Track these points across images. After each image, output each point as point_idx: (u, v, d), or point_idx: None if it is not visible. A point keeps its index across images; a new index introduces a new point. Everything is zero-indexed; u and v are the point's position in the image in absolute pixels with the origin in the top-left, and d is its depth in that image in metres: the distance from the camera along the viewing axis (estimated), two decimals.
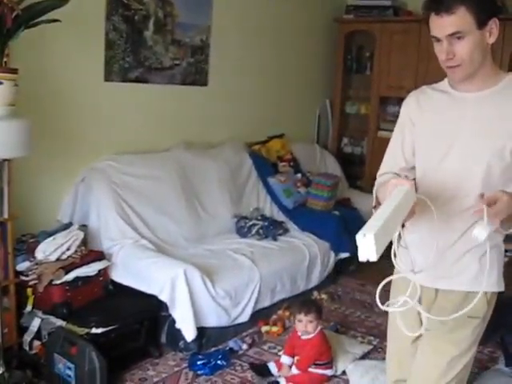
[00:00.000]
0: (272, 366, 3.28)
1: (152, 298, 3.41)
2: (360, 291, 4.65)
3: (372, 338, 3.84)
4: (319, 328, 3.26)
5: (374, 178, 6.36)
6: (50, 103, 3.56)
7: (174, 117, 4.45)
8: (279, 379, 3.17)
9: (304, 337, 3.23)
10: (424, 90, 2.10)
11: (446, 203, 1.92)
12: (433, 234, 1.92)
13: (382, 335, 3.83)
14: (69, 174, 3.76)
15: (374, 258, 1.46)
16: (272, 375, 3.25)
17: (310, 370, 3.19)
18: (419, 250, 2.01)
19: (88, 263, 3.33)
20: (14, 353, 3.23)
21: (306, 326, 3.21)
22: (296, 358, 3.24)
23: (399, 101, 5.74)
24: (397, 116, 6.34)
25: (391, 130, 6.33)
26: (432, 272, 1.94)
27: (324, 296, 4.45)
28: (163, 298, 3.33)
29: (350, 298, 4.53)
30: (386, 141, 6.30)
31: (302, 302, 3.47)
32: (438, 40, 1.84)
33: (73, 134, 3.73)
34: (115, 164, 3.86)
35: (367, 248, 1.45)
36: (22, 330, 3.28)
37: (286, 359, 3.28)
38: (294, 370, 3.19)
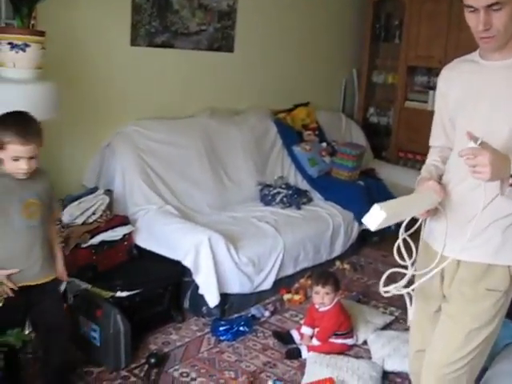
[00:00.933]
0: (295, 334, 3.30)
1: (175, 264, 3.43)
2: (383, 262, 4.63)
3: (394, 308, 3.83)
4: (336, 300, 3.25)
5: (400, 149, 6.34)
6: (76, 67, 3.56)
7: (199, 83, 4.42)
8: (301, 347, 3.19)
9: (321, 309, 3.24)
10: (455, 63, 2.10)
11: (468, 177, 1.88)
12: (456, 206, 1.94)
13: (404, 306, 3.82)
14: (94, 139, 3.77)
15: (372, 228, 1.71)
16: (294, 343, 3.27)
17: (331, 340, 3.20)
18: (441, 221, 2.00)
19: (113, 228, 3.36)
20: None
21: (322, 298, 3.20)
22: (316, 329, 3.25)
23: (428, 71, 5.74)
24: (425, 86, 6.28)
25: (419, 101, 6.28)
26: (454, 243, 1.93)
27: (346, 266, 4.45)
28: (187, 263, 3.35)
29: (373, 269, 4.51)
30: (414, 111, 6.27)
31: (320, 273, 3.45)
32: (474, 10, 1.79)
33: (99, 99, 3.73)
34: (141, 129, 3.86)
35: (374, 219, 1.69)
36: None
37: (306, 330, 3.29)
38: (315, 341, 3.20)
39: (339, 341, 3.21)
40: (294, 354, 3.16)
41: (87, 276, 3.25)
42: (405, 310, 3.85)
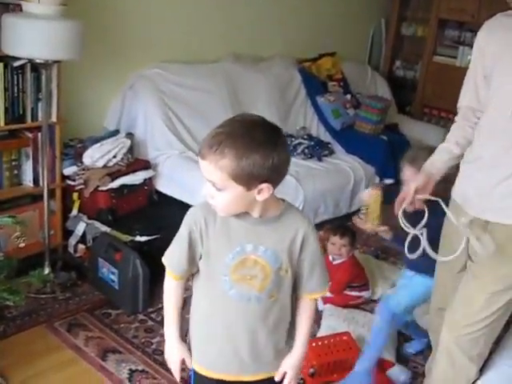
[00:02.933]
0: None
1: None
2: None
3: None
4: (351, 254, 3.23)
5: (425, 105, 6.19)
6: (100, 6, 3.45)
7: (223, 27, 4.29)
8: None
9: (335, 262, 3.21)
10: (497, 19, 2.00)
11: (502, 137, 1.87)
12: (487, 167, 1.92)
13: None
14: (117, 80, 3.70)
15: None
16: None
17: (346, 292, 3.19)
18: (472, 182, 1.98)
19: (134, 172, 3.33)
20: (58, 255, 3.30)
21: (339, 249, 3.17)
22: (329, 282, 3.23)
23: (459, 25, 5.54)
24: (455, 41, 6.04)
25: (448, 56, 6.08)
26: (484, 204, 1.92)
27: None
28: None
29: (392, 225, 4.46)
30: (442, 66, 6.07)
31: (338, 225, 3.43)
32: None
33: (121, 39, 3.64)
34: (163, 72, 3.78)
35: None
36: (67, 233, 3.35)
37: None
38: (327, 293, 3.18)
39: (354, 293, 3.21)
40: None
41: (106, 219, 3.25)
42: None
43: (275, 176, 1.40)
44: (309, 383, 2.64)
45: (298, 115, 4.68)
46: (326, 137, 4.71)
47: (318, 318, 3.11)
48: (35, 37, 2.66)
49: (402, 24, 5.77)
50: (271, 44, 4.71)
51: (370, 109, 4.73)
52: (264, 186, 1.39)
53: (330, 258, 3.23)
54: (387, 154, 4.58)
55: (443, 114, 5.47)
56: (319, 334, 2.93)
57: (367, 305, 3.27)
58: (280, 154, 1.37)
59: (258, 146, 1.34)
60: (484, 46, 1.99)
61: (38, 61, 2.79)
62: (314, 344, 2.71)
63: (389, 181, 4.59)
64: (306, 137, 4.49)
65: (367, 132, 4.75)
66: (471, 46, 5.89)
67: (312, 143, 4.41)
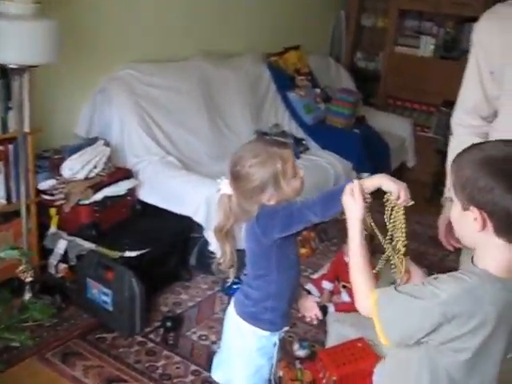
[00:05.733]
0: (313, 290, 3.14)
1: (182, 219, 3.20)
2: (382, 213, 4.51)
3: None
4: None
5: (389, 96, 6.15)
6: (65, 4, 3.17)
7: (189, 23, 4.05)
8: (328, 304, 3.04)
9: None
10: (495, 10, 1.92)
11: None
12: None
13: (412, 259, 3.74)
14: (86, 84, 3.43)
15: None
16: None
17: None
18: None
19: (116, 182, 3.09)
20: (36, 276, 3.02)
21: None
22: (343, 283, 3.09)
23: (420, 14, 5.52)
24: (416, 31, 6.01)
25: (410, 46, 6.05)
26: None
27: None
28: (198, 219, 3.12)
29: (374, 220, 4.38)
30: (404, 56, 6.04)
31: None
32: None
33: (89, 40, 3.35)
34: (136, 73, 3.53)
35: None
36: (45, 252, 3.07)
37: (327, 285, 3.14)
38: (346, 298, 3.05)
39: None
40: (322, 313, 3.01)
41: (90, 234, 3.00)
42: (415, 262, 3.78)
43: (492, 209, 1.15)
44: None
45: (269, 112, 4.53)
46: (298, 132, 4.58)
47: (322, 323, 2.98)
48: (8, 40, 2.39)
49: (361, 15, 5.69)
50: (237, 39, 4.53)
51: (342, 103, 4.63)
52: (475, 210, 1.18)
53: (346, 258, 3.08)
54: (362, 148, 4.50)
55: (407, 104, 5.44)
56: (329, 343, 2.79)
57: None
58: (507, 190, 1.13)
59: (487, 164, 1.17)
60: (487, 43, 1.90)
61: (11, 66, 2.51)
62: (330, 355, 2.58)
63: (365, 175, 4.51)
64: (280, 134, 4.34)
65: (339, 126, 4.64)
66: (432, 35, 5.89)
67: (288, 140, 4.26)
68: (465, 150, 1.25)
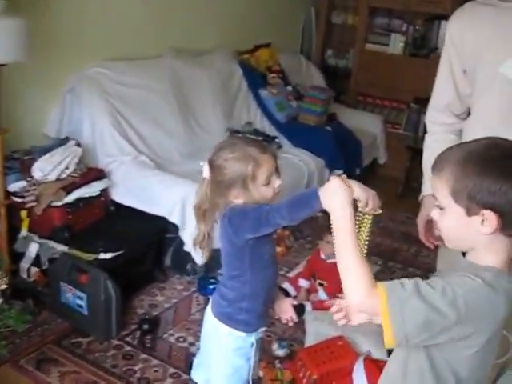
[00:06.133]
0: (289, 288, 3.13)
1: (156, 220, 3.16)
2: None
3: (376, 257, 3.75)
4: None
5: (359, 93, 6.17)
6: (35, 2, 3.09)
7: (159, 20, 4.00)
8: (305, 303, 3.03)
9: (331, 260, 3.07)
10: (468, 7, 1.93)
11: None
12: None
13: (385, 256, 3.78)
14: (55, 83, 3.34)
15: None
16: (289, 295, 3.09)
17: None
18: None
19: (89, 182, 3.03)
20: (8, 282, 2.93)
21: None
22: (319, 281, 3.09)
23: (389, 12, 5.55)
24: (386, 28, 6.04)
25: (380, 43, 6.08)
26: None
27: (319, 214, 4.30)
28: (173, 219, 3.08)
29: None
30: (374, 54, 6.06)
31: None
32: None
33: (56, 38, 3.28)
34: (106, 71, 3.46)
35: None
36: (16, 256, 2.99)
37: (304, 283, 3.14)
38: (323, 295, 3.05)
39: (342, 296, 3.08)
40: (299, 312, 2.99)
41: (62, 237, 2.93)
42: (387, 258, 3.81)
43: (505, 208, 1.13)
44: None
45: (241, 110, 4.50)
46: (270, 130, 4.56)
47: (300, 322, 2.96)
48: None
49: (332, 13, 5.69)
50: (208, 36, 4.48)
51: (314, 100, 4.63)
52: (488, 213, 1.14)
53: (323, 255, 3.08)
54: (334, 145, 4.50)
55: (378, 102, 5.47)
56: (308, 342, 2.78)
57: None
58: None
59: (492, 166, 1.14)
60: (459, 41, 1.91)
61: None
62: (309, 353, 2.57)
63: (338, 172, 4.52)
64: (252, 131, 4.32)
65: (312, 124, 4.64)
66: (401, 32, 5.92)
67: (260, 138, 4.23)
68: (453, 154, 1.21)
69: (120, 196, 3.21)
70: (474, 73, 1.89)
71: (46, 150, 2.92)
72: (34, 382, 2.41)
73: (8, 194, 2.90)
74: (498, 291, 1.15)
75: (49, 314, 2.85)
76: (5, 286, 2.50)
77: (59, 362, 2.53)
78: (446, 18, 1.97)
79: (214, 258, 3.28)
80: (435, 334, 1.15)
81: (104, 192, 3.12)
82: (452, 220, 1.20)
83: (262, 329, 1.87)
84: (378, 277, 3.49)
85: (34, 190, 2.82)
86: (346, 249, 1.22)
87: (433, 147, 2.00)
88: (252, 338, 1.82)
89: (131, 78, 3.58)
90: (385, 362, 2.65)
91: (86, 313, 2.69)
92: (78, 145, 3.12)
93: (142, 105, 3.58)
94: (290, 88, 4.80)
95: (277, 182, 1.70)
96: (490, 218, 1.14)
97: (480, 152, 1.16)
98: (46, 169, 2.84)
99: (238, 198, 1.65)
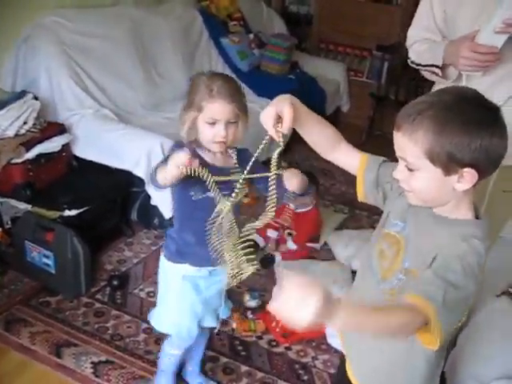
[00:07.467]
0: (259, 239, 3.12)
1: (121, 174, 3.08)
2: (316, 159, 4.48)
3: (342, 206, 3.77)
4: (315, 202, 3.10)
5: (321, 40, 6.05)
6: None
7: None
8: (274, 253, 3.03)
9: (300, 209, 3.06)
10: None
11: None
12: None
13: (351, 203, 3.79)
14: (7, 33, 3.17)
15: None
16: (259, 247, 3.09)
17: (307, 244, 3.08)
18: None
19: (49, 138, 2.91)
20: None
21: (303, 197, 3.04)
22: (288, 231, 3.09)
23: None
24: None
25: None
26: None
27: (284, 164, 4.28)
28: (138, 173, 3.00)
29: (309, 165, 4.37)
30: (336, 0, 5.86)
31: (301, 171, 3.28)
32: None
33: None
34: (62, 20, 3.30)
35: None
36: None
37: (273, 233, 3.13)
38: (291, 245, 3.05)
39: (310, 244, 3.10)
40: (269, 262, 3.00)
41: (24, 195, 2.83)
42: (354, 206, 3.81)
43: (484, 163, 1.12)
44: (282, 342, 2.52)
45: (202, 58, 4.38)
46: None
47: (270, 272, 2.97)
48: None
49: None
50: None
51: (277, 48, 4.54)
52: (468, 170, 1.12)
53: (292, 206, 3.06)
54: (298, 94, 4.42)
55: (340, 49, 5.40)
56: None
57: (317, 254, 3.19)
58: (493, 137, 1.10)
59: (468, 123, 1.09)
60: None
61: None
62: None
63: None
64: None
65: (275, 72, 4.57)
66: None
67: None
68: (423, 115, 1.14)
69: (82, 151, 3.11)
70: (455, 17, 1.85)
71: (1, 105, 2.78)
72: (3, 343, 2.36)
73: None
74: (485, 242, 1.16)
75: (15, 274, 2.78)
76: None
77: (29, 322, 2.48)
78: None
79: None
80: (465, 309, 1.16)
81: (66, 147, 3.01)
82: (426, 180, 1.16)
83: (209, 268, 1.86)
84: (346, 224, 3.54)
85: None
86: (377, 329, 1.12)
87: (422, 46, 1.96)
88: (200, 273, 1.86)
89: (89, 27, 3.42)
90: None
91: (53, 271, 2.63)
92: (36, 98, 2.98)
93: (101, 55, 3.43)
94: (251, 36, 4.69)
95: (220, 132, 1.67)
96: (470, 175, 1.12)
97: (452, 108, 1.11)
98: (2, 124, 2.71)
99: (188, 122, 1.70)
